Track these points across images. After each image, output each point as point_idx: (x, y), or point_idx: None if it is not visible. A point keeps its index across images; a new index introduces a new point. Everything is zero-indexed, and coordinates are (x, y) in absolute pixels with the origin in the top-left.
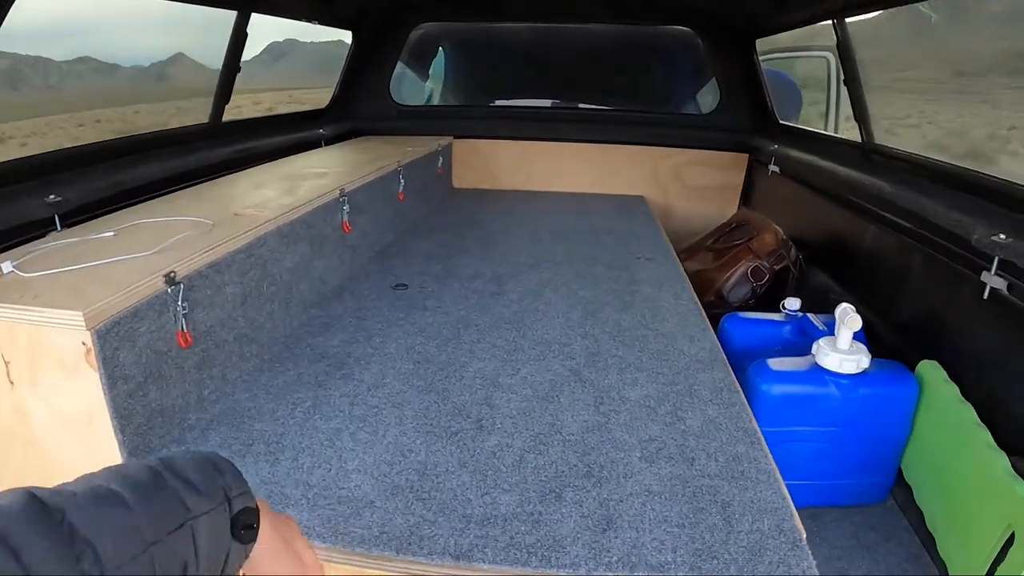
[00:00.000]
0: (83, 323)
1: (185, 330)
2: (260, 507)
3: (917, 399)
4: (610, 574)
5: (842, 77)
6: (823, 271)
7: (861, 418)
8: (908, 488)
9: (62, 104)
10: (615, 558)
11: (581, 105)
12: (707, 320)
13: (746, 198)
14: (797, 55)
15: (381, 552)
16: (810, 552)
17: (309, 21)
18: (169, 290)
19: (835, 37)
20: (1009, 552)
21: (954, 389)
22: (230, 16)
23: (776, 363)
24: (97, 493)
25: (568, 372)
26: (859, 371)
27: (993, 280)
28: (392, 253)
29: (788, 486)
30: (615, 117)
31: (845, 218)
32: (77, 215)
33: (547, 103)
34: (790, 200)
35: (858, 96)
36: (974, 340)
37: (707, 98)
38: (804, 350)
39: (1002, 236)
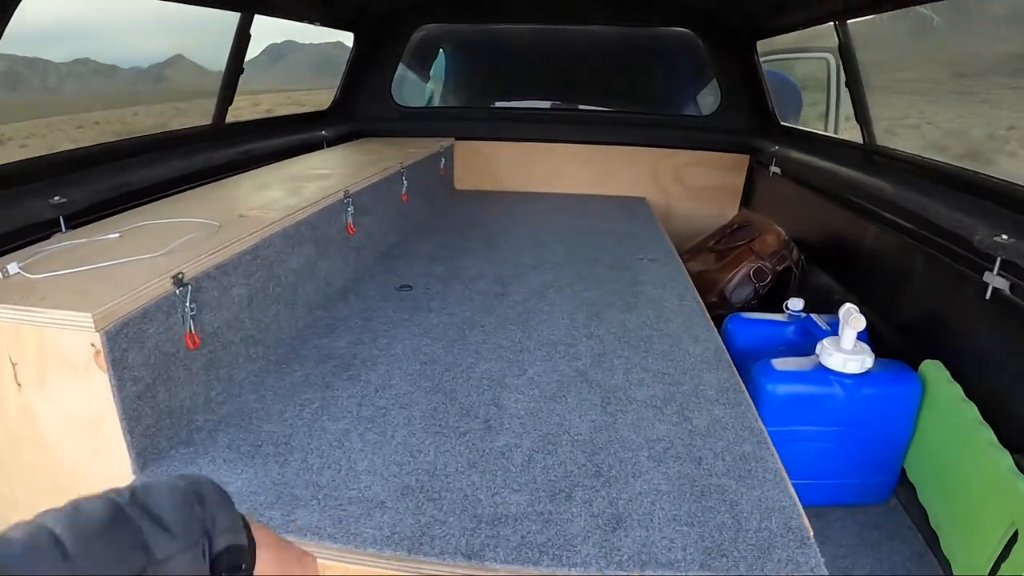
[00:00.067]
0: (92, 324)
1: (193, 331)
2: (263, 541)
3: (920, 399)
4: (621, 573)
5: (843, 79)
6: (825, 272)
7: (865, 418)
8: (911, 487)
9: (61, 106)
10: (626, 556)
11: (582, 107)
12: (711, 321)
13: (747, 199)
14: (797, 56)
15: (393, 552)
16: (818, 550)
17: (311, 23)
18: (177, 291)
19: (837, 39)
20: (1012, 550)
21: (957, 389)
22: (229, 17)
23: (780, 363)
24: (33, 541)
25: (574, 372)
26: (863, 371)
27: (995, 280)
28: (396, 255)
29: (792, 485)
30: (616, 119)
31: (847, 219)
32: (82, 216)
33: (548, 105)
34: (791, 201)
35: (860, 97)
36: (976, 340)
37: (708, 99)
38: (807, 350)
39: (1004, 237)
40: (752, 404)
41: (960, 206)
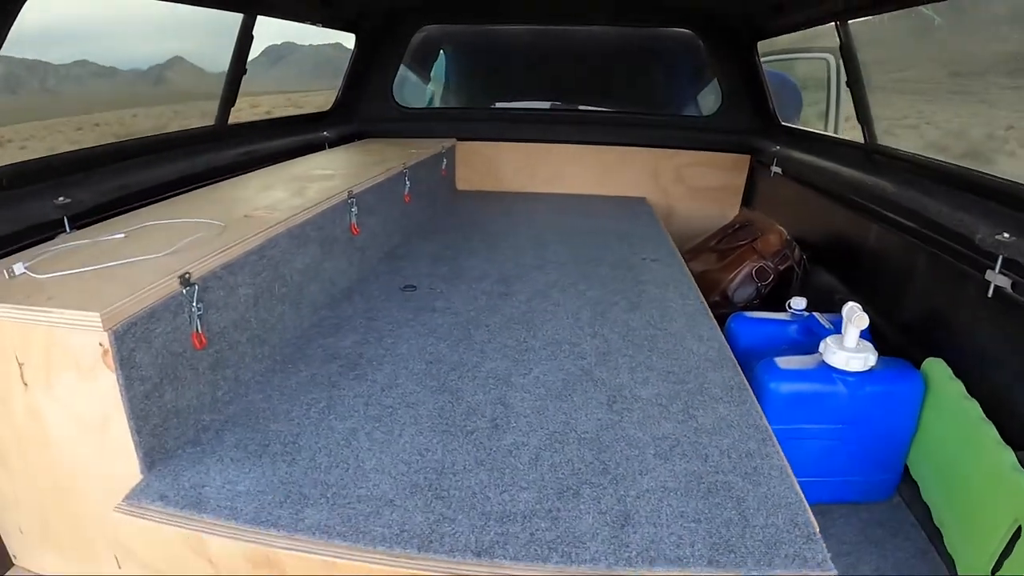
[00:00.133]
0: (100, 324)
1: (200, 331)
2: None
3: (923, 396)
4: (631, 569)
5: (844, 79)
6: (827, 271)
7: (868, 415)
8: (914, 484)
9: (60, 107)
10: (634, 553)
11: (582, 107)
12: (714, 320)
13: (748, 199)
14: (797, 56)
15: (403, 550)
16: (824, 546)
17: (313, 24)
18: (184, 291)
19: (838, 39)
20: (1016, 546)
21: (959, 386)
22: (228, 19)
23: (784, 361)
24: None
25: (580, 371)
26: (866, 369)
27: (997, 278)
28: (399, 255)
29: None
30: (616, 119)
31: (848, 218)
32: (86, 217)
33: (548, 105)
34: (792, 201)
35: (861, 97)
36: (978, 338)
37: (709, 100)
38: (810, 349)
39: (1006, 235)
40: (756, 402)
41: (962, 205)
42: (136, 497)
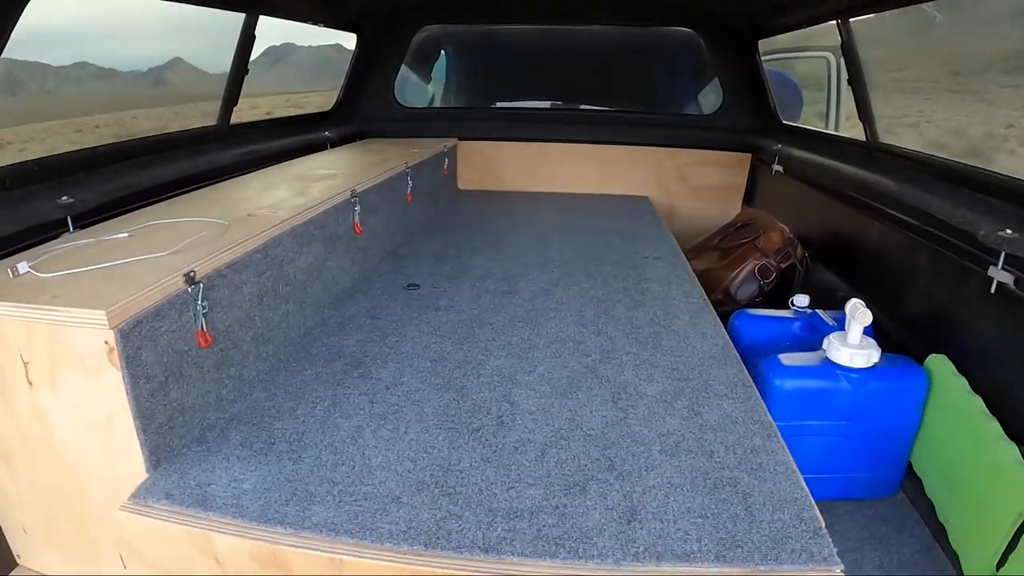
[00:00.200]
0: (106, 322)
1: (205, 329)
2: None
3: (926, 392)
4: (638, 565)
5: (845, 77)
6: (828, 269)
7: (872, 412)
8: (918, 480)
9: (60, 109)
10: (641, 548)
11: (584, 106)
12: (718, 317)
13: (749, 198)
14: (797, 55)
15: (410, 547)
16: (831, 540)
17: (315, 24)
18: (189, 289)
19: (839, 37)
20: (1021, 541)
21: (963, 382)
22: (228, 20)
23: (787, 358)
24: None
25: (584, 369)
26: (869, 365)
27: (1000, 275)
28: (402, 254)
29: None
30: (618, 118)
31: (850, 216)
32: (89, 217)
33: (549, 105)
34: (794, 199)
35: (862, 95)
36: (981, 334)
37: (710, 98)
38: (813, 346)
39: (1008, 231)
40: (761, 399)
41: (964, 202)
42: (142, 496)
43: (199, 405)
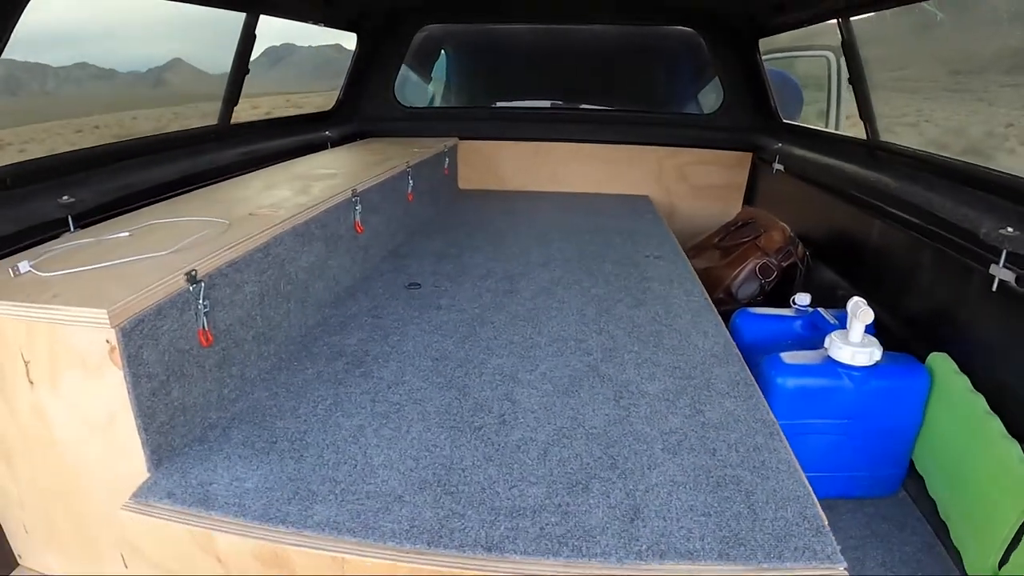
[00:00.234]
0: (108, 321)
1: (206, 328)
2: None
3: (928, 391)
4: (642, 563)
5: (846, 76)
6: (829, 267)
7: (873, 410)
8: (920, 479)
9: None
10: (645, 547)
11: (584, 106)
12: (719, 316)
13: (750, 197)
14: (797, 55)
15: (413, 546)
16: (834, 538)
17: (315, 23)
18: (191, 288)
19: (840, 36)
20: (1023, 539)
21: (965, 380)
22: (228, 20)
23: (789, 356)
24: None
25: (586, 367)
26: (871, 364)
27: (1002, 273)
28: (403, 253)
29: None
30: (618, 117)
31: (851, 215)
32: (89, 216)
33: (549, 104)
34: (795, 198)
35: (863, 94)
36: (983, 332)
37: (710, 98)
38: (815, 345)
39: (1010, 229)
40: (763, 397)
41: (965, 200)
42: (143, 495)
43: (200, 404)
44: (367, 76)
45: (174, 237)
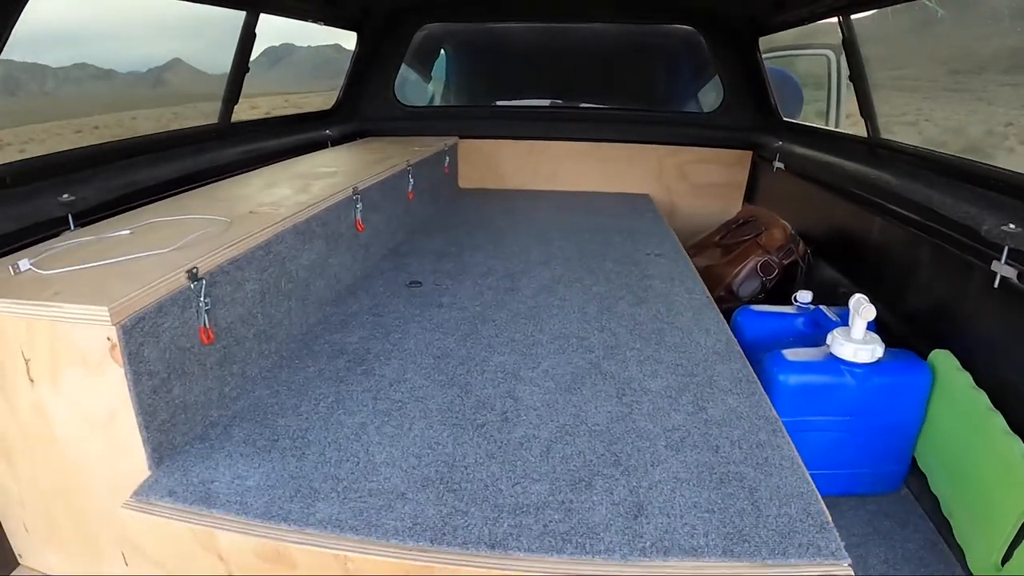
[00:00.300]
0: (109, 318)
1: (208, 326)
2: None
3: (930, 388)
4: (646, 560)
5: (846, 74)
6: (830, 265)
7: (876, 407)
8: (922, 476)
9: (59, 110)
10: (648, 543)
11: (584, 104)
12: (720, 313)
13: (750, 195)
14: (797, 53)
15: (416, 543)
16: (838, 534)
17: (315, 22)
18: (192, 286)
19: (840, 34)
20: None
21: (967, 377)
22: (228, 20)
23: (791, 354)
24: None
25: (588, 365)
26: (873, 360)
27: (1003, 269)
28: (404, 252)
29: None
30: (618, 116)
31: (852, 212)
32: (90, 215)
33: (550, 103)
34: (795, 196)
35: (864, 91)
36: (985, 329)
37: (710, 96)
38: (816, 342)
39: (1012, 226)
40: (765, 394)
41: (967, 197)
42: (144, 493)
43: (202, 402)
44: (367, 75)
45: (175, 235)
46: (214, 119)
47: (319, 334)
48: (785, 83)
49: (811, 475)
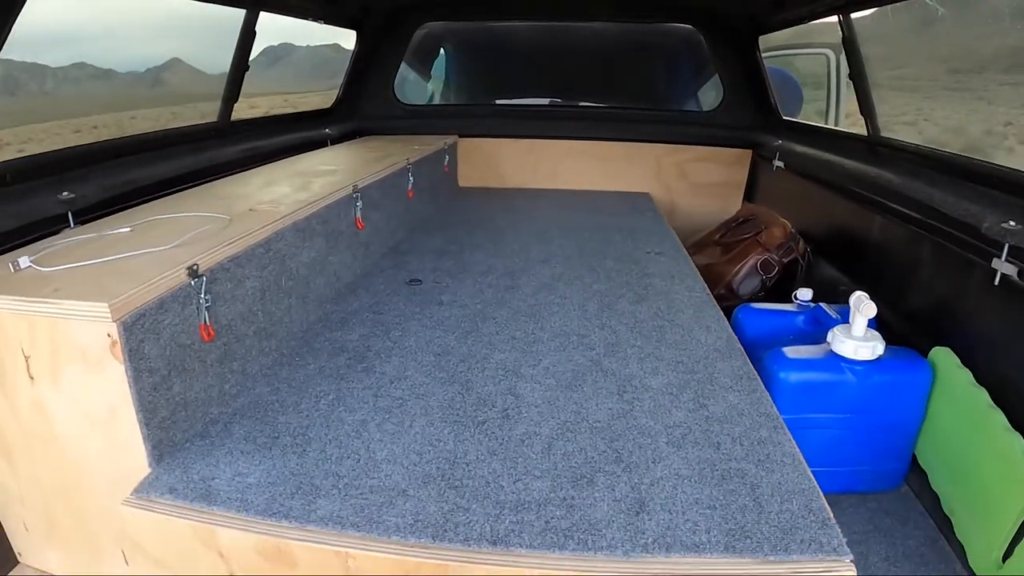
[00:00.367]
0: (109, 315)
1: (208, 323)
2: None
3: (931, 385)
4: (648, 556)
5: (846, 73)
6: (831, 263)
7: (876, 404)
8: (923, 473)
9: (58, 110)
10: (650, 540)
11: (584, 103)
12: (721, 311)
13: (750, 194)
14: (797, 52)
15: (417, 540)
16: (840, 531)
17: (315, 20)
18: (192, 282)
19: (840, 32)
20: None
21: (967, 374)
22: (227, 20)
23: (792, 351)
24: None
25: (589, 362)
26: (874, 358)
27: (1004, 267)
28: (404, 250)
29: None
30: (618, 115)
31: (852, 211)
32: (90, 212)
33: (550, 101)
34: (795, 195)
35: (864, 90)
36: (985, 326)
37: (710, 95)
38: (817, 340)
39: (1012, 224)
40: (766, 391)
41: (967, 195)
42: (145, 490)
43: (202, 399)
44: (367, 74)
45: (175, 232)
46: (213, 118)
47: (319, 331)
48: (785, 82)
49: (812, 472)
